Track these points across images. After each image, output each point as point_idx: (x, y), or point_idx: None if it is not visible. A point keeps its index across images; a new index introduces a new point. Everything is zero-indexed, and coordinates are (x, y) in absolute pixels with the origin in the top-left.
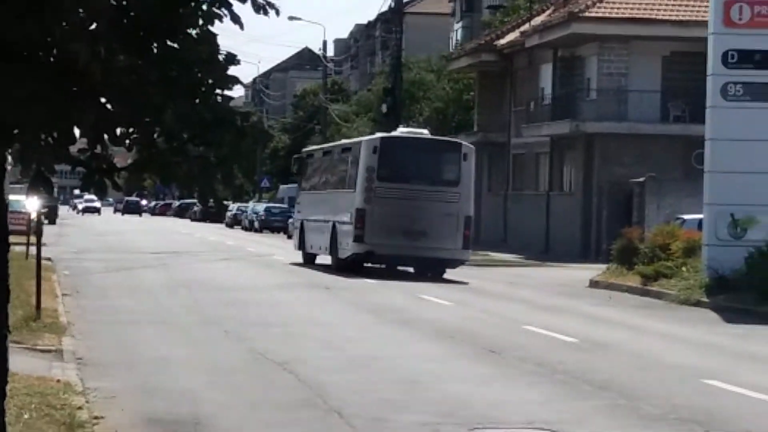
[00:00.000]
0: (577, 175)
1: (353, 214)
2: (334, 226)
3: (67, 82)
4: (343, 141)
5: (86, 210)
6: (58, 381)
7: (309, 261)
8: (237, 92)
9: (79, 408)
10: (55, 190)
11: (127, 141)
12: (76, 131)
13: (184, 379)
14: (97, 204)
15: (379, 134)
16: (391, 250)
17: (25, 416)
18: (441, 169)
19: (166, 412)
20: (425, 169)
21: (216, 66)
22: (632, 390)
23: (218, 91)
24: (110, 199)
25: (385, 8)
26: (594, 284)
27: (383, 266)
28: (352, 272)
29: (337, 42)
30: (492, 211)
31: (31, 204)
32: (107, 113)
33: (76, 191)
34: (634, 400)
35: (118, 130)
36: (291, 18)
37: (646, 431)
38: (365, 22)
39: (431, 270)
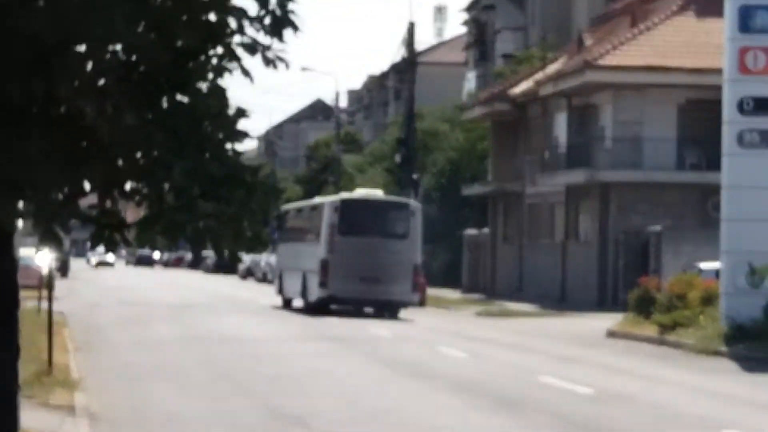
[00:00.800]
0: (593, 224)
1: (318, 264)
2: (304, 274)
3: (75, 139)
4: (312, 201)
5: (100, 263)
6: None
7: (286, 305)
8: (249, 144)
9: None
10: (67, 243)
11: (137, 197)
12: (86, 186)
13: None
14: (111, 259)
15: (340, 195)
16: (351, 294)
17: None
18: (392, 225)
19: None
20: (379, 224)
21: (226, 120)
22: None
23: (228, 145)
24: (122, 252)
25: (398, 59)
26: (611, 334)
27: (349, 307)
28: (321, 313)
29: (350, 93)
30: (507, 260)
31: (42, 258)
32: (116, 169)
33: (89, 243)
34: None
35: (128, 186)
36: (303, 69)
37: None
38: (378, 72)
39: (386, 310)
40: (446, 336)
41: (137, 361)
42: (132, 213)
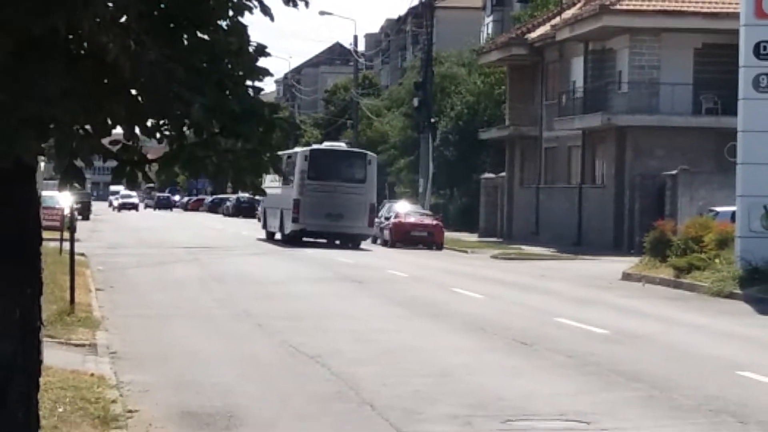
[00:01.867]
0: (609, 168)
1: (292, 203)
2: (281, 212)
3: (97, 76)
4: (288, 151)
5: (123, 206)
6: (92, 375)
7: (270, 237)
8: (268, 87)
9: (113, 401)
10: (88, 185)
11: (158, 133)
12: (108, 122)
13: (217, 372)
14: (135, 200)
15: (309, 147)
16: (318, 228)
17: (60, 409)
18: (352, 172)
19: (199, 406)
20: (341, 171)
21: (246, 57)
22: (664, 381)
23: (248, 83)
24: (141, 195)
25: (415, 2)
26: (627, 277)
27: (322, 240)
28: (295, 245)
29: (368, 37)
30: (524, 204)
31: (64, 199)
32: (137, 106)
33: (112, 187)
34: (667, 392)
35: (149, 122)
36: (322, 13)
37: (679, 422)
38: (396, 16)
39: (349, 242)
40: (462, 278)
41: (157, 301)
42: (154, 154)
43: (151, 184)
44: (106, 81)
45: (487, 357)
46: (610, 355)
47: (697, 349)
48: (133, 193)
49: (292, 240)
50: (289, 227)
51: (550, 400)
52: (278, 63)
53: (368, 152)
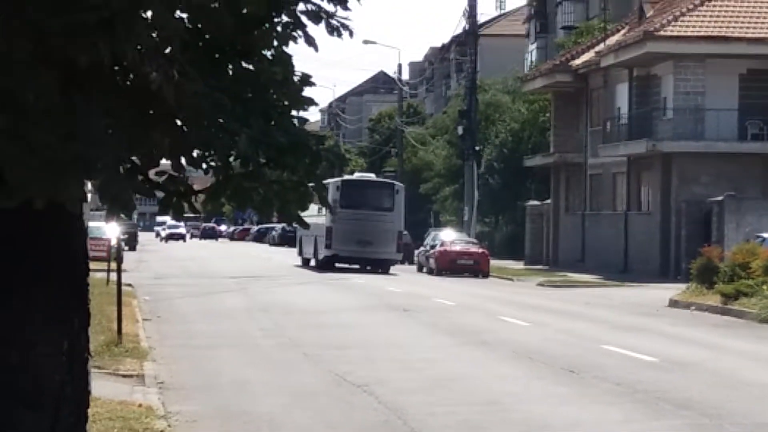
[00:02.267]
0: (655, 195)
1: (325, 231)
2: (315, 239)
3: (142, 107)
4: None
5: (170, 237)
6: (140, 405)
7: (305, 263)
8: (313, 117)
9: None
10: (135, 216)
11: (204, 164)
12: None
13: (264, 402)
14: (182, 230)
15: (341, 178)
16: (349, 253)
17: None
18: (381, 201)
19: None
20: (371, 200)
21: (291, 87)
22: (714, 409)
23: (293, 113)
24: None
25: (459, 31)
26: (673, 304)
27: (353, 266)
28: (334, 270)
29: (412, 65)
30: (570, 231)
31: (111, 230)
32: (183, 136)
33: (158, 218)
34: (716, 419)
35: (195, 153)
36: (366, 42)
37: None
38: (440, 44)
39: (379, 267)
40: (509, 306)
41: (205, 331)
42: (200, 185)
43: (197, 215)
44: (151, 112)
45: (535, 385)
46: (658, 383)
47: (746, 376)
48: (181, 224)
49: (325, 265)
50: (322, 253)
51: (597, 428)
52: (323, 92)
53: (396, 182)
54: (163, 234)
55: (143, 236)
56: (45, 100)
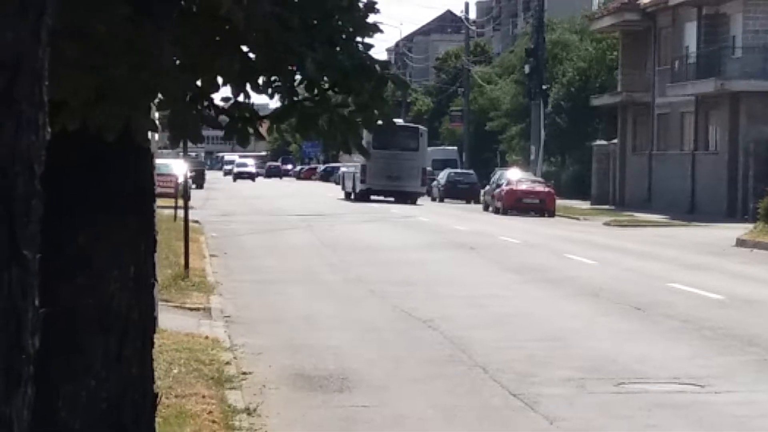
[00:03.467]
0: (723, 134)
1: (360, 168)
2: (354, 175)
3: (210, 34)
4: None
5: (239, 176)
6: (207, 337)
7: (347, 197)
8: (380, 55)
9: (227, 363)
10: (202, 154)
11: (269, 89)
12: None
13: (330, 335)
14: (252, 169)
15: None
16: (381, 187)
17: (174, 371)
18: (408, 142)
19: (312, 368)
20: (399, 142)
21: (356, 14)
22: None
23: (358, 39)
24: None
25: None
26: (741, 243)
27: (387, 198)
28: (365, 200)
29: (479, 4)
30: (636, 171)
31: (178, 167)
32: (249, 62)
33: (226, 156)
34: None
35: (261, 79)
36: None
37: None
38: None
39: (407, 199)
40: (575, 245)
41: (271, 267)
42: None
43: (263, 154)
44: (217, 38)
45: (601, 321)
46: (725, 320)
47: None
48: (250, 161)
49: (362, 197)
50: (358, 187)
51: (663, 364)
52: (389, 31)
53: (420, 126)
54: (233, 172)
55: (210, 175)
56: (116, 31)
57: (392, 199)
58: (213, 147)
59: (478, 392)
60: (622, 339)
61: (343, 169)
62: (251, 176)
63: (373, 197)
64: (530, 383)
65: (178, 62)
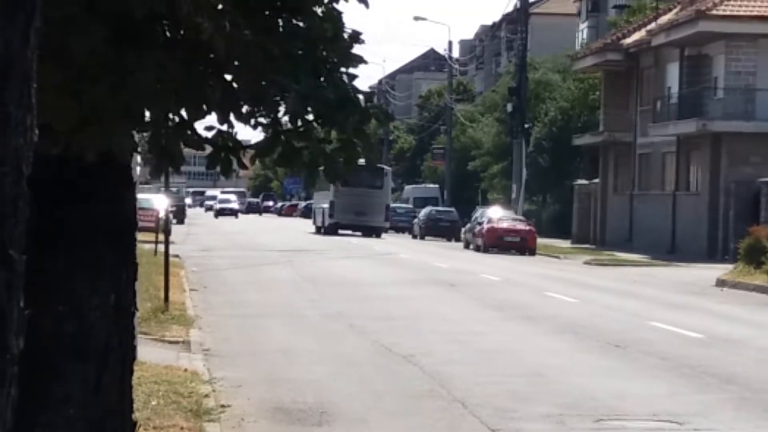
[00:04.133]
0: (704, 175)
1: (329, 204)
2: (323, 210)
3: (193, 60)
4: None
5: (221, 212)
6: (185, 370)
7: (317, 230)
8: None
9: (206, 396)
10: (183, 190)
11: (252, 120)
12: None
13: (309, 369)
14: (235, 205)
15: None
16: (348, 221)
17: (153, 402)
18: (373, 180)
19: (291, 401)
20: (365, 180)
21: (340, 44)
22: (759, 383)
23: (343, 69)
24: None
25: (510, 9)
26: (721, 283)
27: (353, 233)
28: (333, 234)
29: (462, 43)
30: (617, 211)
31: (159, 202)
32: (232, 91)
33: (207, 191)
34: (761, 393)
35: (244, 108)
36: (416, 18)
37: None
38: (490, 22)
39: (372, 233)
40: (555, 282)
41: (251, 301)
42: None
43: (243, 190)
44: (201, 67)
45: (581, 358)
46: (704, 358)
47: None
48: (233, 197)
49: (330, 231)
50: (327, 221)
51: (642, 401)
52: (373, 69)
53: (384, 166)
54: (215, 207)
55: (191, 212)
56: (96, 54)
57: (359, 233)
58: (195, 182)
59: (458, 427)
60: (602, 375)
61: (314, 205)
62: (234, 213)
63: (340, 231)
64: (510, 418)
65: (160, 86)
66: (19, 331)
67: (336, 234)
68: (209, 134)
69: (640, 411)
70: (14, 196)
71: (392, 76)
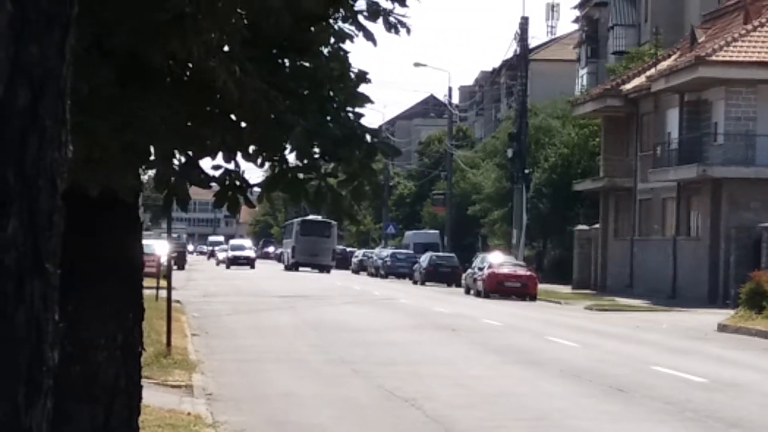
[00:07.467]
0: (704, 220)
1: (291, 248)
2: (288, 252)
3: (199, 102)
4: (287, 222)
5: (235, 262)
6: (189, 414)
7: (285, 268)
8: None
9: None
10: (184, 236)
11: (259, 158)
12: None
13: (312, 414)
14: (250, 253)
15: (301, 218)
16: (305, 261)
17: None
18: (323, 231)
19: None
20: (318, 230)
21: (347, 83)
22: (763, 428)
23: (349, 108)
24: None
25: (510, 55)
26: (722, 328)
27: (312, 270)
28: (295, 270)
29: (462, 89)
30: (618, 256)
31: (160, 248)
32: (239, 131)
33: (211, 237)
34: None
35: (251, 148)
36: (416, 64)
37: None
38: (490, 68)
39: (323, 270)
40: (557, 327)
41: (253, 346)
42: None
43: (238, 237)
44: (207, 108)
45: (583, 403)
46: (708, 403)
47: None
48: (248, 243)
49: (292, 267)
50: (291, 261)
51: None
52: (372, 115)
53: (332, 221)
54: (221, 257)
55: (191, 259)
56: (102, 92)
57: (317, 270)
58: (195, 229)
59: None
60: (606, 420)
61: (282, 249)
62: (249, 262)
63: (300, 268)
64: None
65: (165, 126)
66: (54, 343)
67: (297, 270)
68: (216, 173)
69: None
70: (50, 210)
71: (392, 122)
